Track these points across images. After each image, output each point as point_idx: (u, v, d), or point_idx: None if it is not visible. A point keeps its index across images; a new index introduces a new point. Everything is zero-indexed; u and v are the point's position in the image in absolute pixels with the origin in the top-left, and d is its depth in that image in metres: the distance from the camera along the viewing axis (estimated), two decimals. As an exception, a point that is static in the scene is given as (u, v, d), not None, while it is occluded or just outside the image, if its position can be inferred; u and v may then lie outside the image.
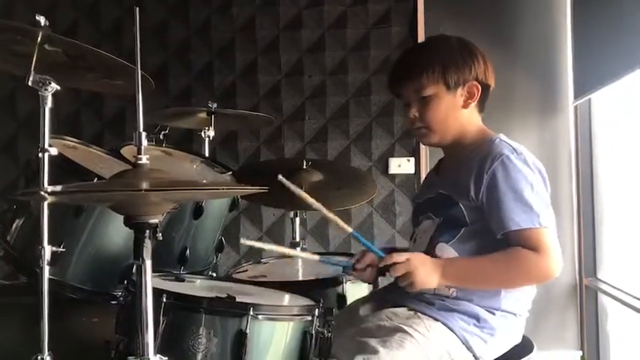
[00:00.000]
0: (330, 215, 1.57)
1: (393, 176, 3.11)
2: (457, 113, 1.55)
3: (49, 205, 1.57)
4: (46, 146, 1.55)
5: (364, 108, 3.12)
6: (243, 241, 1.63)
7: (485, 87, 1.56)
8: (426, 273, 1.44)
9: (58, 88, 1.55)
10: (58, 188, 1.29)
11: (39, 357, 1.49)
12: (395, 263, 1.44)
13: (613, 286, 2.71)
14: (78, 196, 1.28)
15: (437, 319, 1.47)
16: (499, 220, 1.43)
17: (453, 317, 1.47)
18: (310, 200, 1.57)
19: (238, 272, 2.06)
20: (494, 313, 1.48)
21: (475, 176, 1.47)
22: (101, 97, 3.20)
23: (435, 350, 1.44)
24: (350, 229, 1.57)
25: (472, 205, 1.48)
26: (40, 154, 1.54)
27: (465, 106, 1.55)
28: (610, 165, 2.85)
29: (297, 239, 2.54)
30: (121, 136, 3.08)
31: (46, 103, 1.54)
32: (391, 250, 1.69)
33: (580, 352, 2.95)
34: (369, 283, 1.71)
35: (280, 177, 1.59)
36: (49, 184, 1.58)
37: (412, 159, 3.08)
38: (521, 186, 1.44)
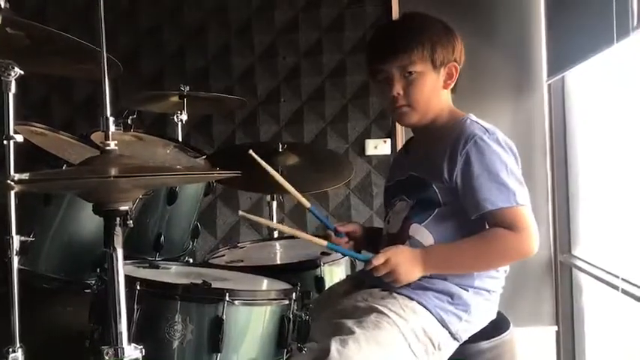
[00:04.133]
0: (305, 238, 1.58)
1: (370, 158, 3.11)
2: (439, 93, 1.55)
3: (17, 193, 1.53)
4: (12, 133, 1.51)
5: (339, 89, 3.10)
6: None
7: (459, 68, 1.56)
8: (407, 268, 1.44)
9: (22, 73, 1.51)
10: (25, 176, 1.25)
11: (10, 349, 1.47)
12: (376, 266, 1.45)
13: (588, 262, 2.75)
14: (45, 184, 1.25)
15: (412, 298, 1.48)
16: (475, 201, 1.43)
17: (427, 295, 1.48)
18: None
19: (215, 257, 2.04)
20: (467, 290, 1.49)
21: (448, 158, 1.47)
22: (71, 82, 3.13)
23: (410, 329, 1.44)
24: (324, 243, 1.56)
25: (446, 186, 1.48)
26: (5, 142, 1.50)
27: (445, 86, 1.55)
28: (584, 142, 2.87)
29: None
30: (93, 121, 3.02)
31: (9, 89, 1.50)
32: (368, 232, 1.69)
33: (555, 328, 3.00)
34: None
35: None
36: (17, 172, 1.54)
37: (388, 140, 3.08)
38: (497, 166, 1.44)
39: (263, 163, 1.64)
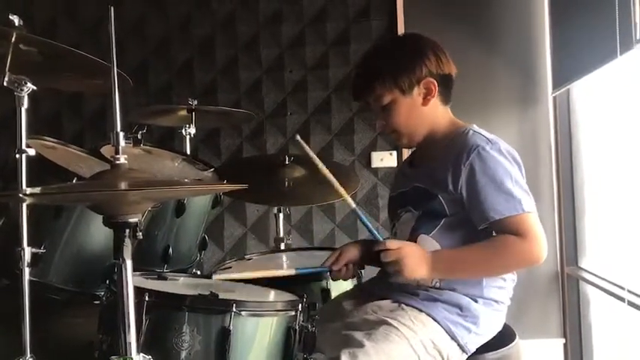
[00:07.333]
0: (338, 187, 1.59)
1: (376, 170, 3.12)
2: (419, 112, 1.57)
3: (28, 206, 1.56)
4: (24, 147, 1.53)
5: (346, 102, 3.12)
6: (216, 276, 1.65)
7: (444, 78, 1.56)
8: (415, 263, 1.44)
9: (34, 88, 1.54)
10: (37, 190, 1.28)
11: (21, 359, 1.49)
12: (387, 249, 1.46)
13: (594, 274, 2.74)
14: (56, 197, 1.27)
15: (421, 310, 1.48)
16: (481, 212, 1.44)
17: (436, 307, 1.49)
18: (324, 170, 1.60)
19: (222, 269, 2.06)
20: (477, 301, 1.50)
21: (452, 169, 1.48)
22: (81, 96, 3.18)
23: (420, 341, 1.45)
24: (353, 205, 1.61)
25: (451, 197, 1.49)
26: (18, 155, 1.53)
27: (425, 103, 1.56)
28: (590, 154, 2.88)
29: (282, 234, 2.54)
30: (102, 134, 3.05)
31: (22, 104, 1.53)
32: (364, 248, 1.69)
33: (562, 340, 2.98)
34: (352, 278, 1.71)
35: (297, 138, 1.60)
36: (28, 185, 1.56)
37: (394, 152, 3.10)
38: (500, 175, 1.45)
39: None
